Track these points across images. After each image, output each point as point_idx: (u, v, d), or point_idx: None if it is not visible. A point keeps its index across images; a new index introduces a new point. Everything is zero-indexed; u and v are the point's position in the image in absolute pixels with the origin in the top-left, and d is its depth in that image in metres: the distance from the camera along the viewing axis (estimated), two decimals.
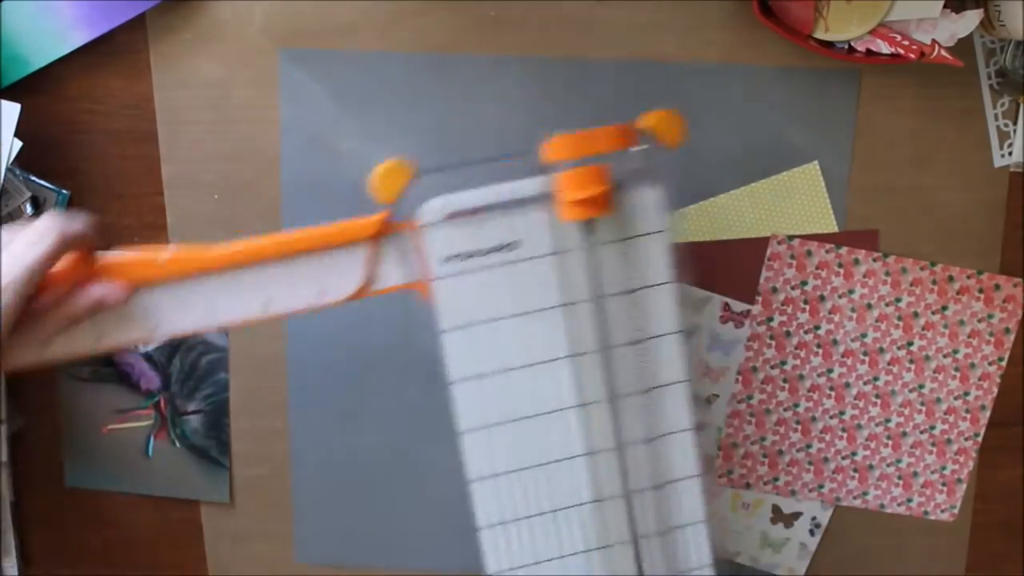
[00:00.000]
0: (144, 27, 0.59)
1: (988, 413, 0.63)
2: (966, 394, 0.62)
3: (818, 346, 0.62)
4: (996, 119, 0.62)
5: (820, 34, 0.57)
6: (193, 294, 0.50)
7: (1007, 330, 0.62)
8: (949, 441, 0.63)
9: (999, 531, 0.68)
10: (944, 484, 0.64)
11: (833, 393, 0.63)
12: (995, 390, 0.63)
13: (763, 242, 0.63)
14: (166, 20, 0.59)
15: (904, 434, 0.63)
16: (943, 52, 0.56)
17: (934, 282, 0.62)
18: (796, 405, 0.63)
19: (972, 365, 0.62)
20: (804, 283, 0.62)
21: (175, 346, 0.65)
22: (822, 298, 0.62)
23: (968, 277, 0.62)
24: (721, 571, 0.68)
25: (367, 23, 0.59)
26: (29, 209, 0.61)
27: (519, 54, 0.60)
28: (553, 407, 0.53)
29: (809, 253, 0.61)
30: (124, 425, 0.66)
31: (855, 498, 0.64)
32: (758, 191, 0.63)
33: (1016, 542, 0.69)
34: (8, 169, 0.59)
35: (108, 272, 0.49)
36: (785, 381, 0.63)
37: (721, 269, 0.63)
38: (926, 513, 0.65)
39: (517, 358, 0.53)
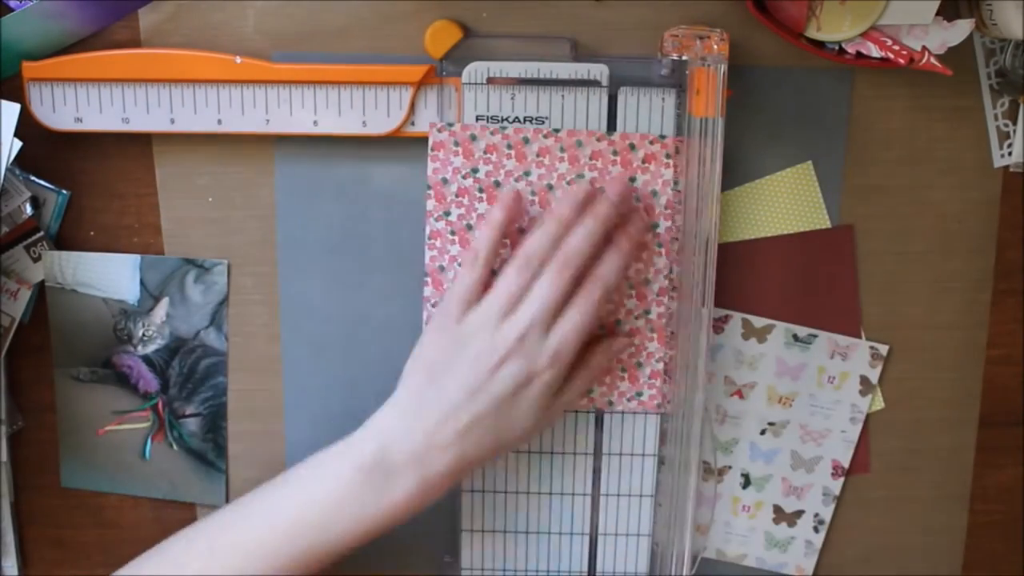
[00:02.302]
0: (137, 28, 0.60)
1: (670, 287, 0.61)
2: (671, 271, 0.60)
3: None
4: (996, 119, 0.62)
5: (812, 33, 0.57)
6: (255, 100, 0.59)
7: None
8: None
9: (997, 531, 0.68)
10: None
11: None
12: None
13: (759, 243, 0.63)
14: (159, 22, 0.60)
15: (619, 323, 0.61)
16: (932, 59, 0.56)
17: (615, 152, 0.59)
18: None
19: (674, 239, 0.60)
20: (475, 170, 0.60)
21: (174, 349, 0.65)
22: (497, 184, 0.60)
23: (651, 143, 0.59)
24: (731, 573, 0.68)
25: (359, 26, 0.60)
26: (29, 209, 0.62)
27: None
28: None
29: (473, 137, 0.59)
30: (121, 427, 0.66)
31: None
32: (751, 192, 0.63)
33: (1014, 542, 0.68)
34: (8, 169, 0.59)
35: None
36: None
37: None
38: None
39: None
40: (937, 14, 0.56)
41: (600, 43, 0.60)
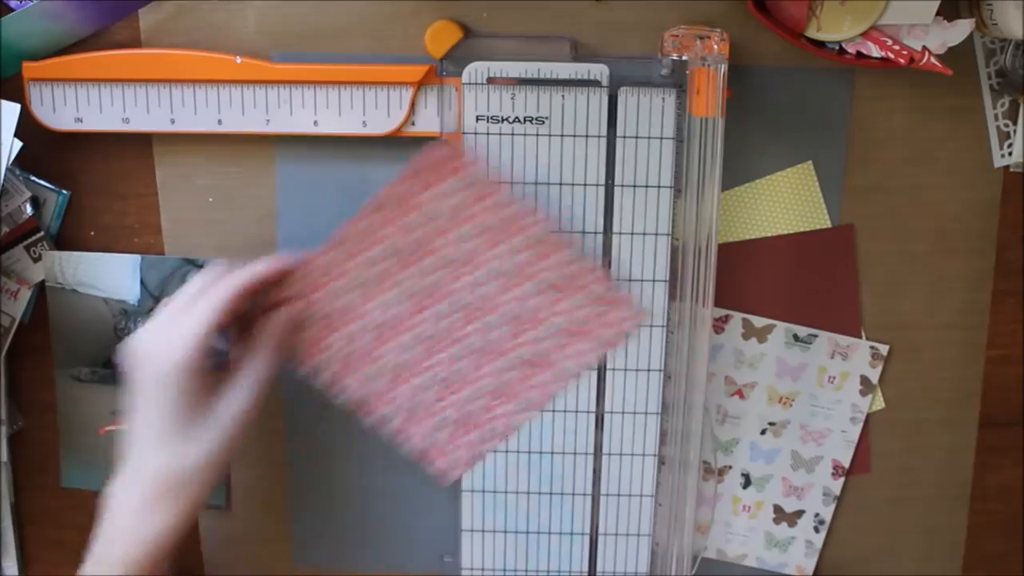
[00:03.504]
0: (137, 28, 0.60)
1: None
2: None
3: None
4: (996, 119, 0.62)
5: (812, 33, 0.57)
6: (255, 100, 0.59)
7: None
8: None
9: (997, 531, 0.68)
10: None
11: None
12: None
13: (759, 243, 0.63)
14: (159, 22, 0.60)
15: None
16: (932, 59, 0.56)
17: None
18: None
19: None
20: None
21: None
22: None
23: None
24: (731, 573, 0.68)
25: (360, 26, 0.60)
26: (29, 209, 0.62)
27: None
28: None
29: None
30: (122, 427, 0.66)
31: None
32: (751, 192, 0.63)
33: (1014, 542, 0.68)
34: (8, 169, 0.59)
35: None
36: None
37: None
38: None
39: None
40: (937, 14, 0.56)
41: (600, 43, 0.60)
